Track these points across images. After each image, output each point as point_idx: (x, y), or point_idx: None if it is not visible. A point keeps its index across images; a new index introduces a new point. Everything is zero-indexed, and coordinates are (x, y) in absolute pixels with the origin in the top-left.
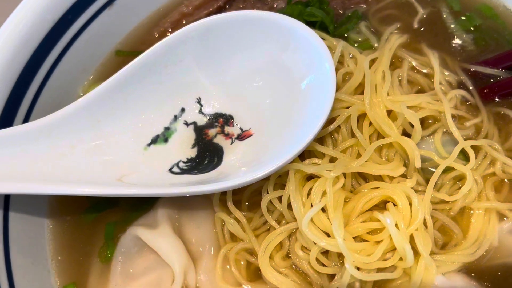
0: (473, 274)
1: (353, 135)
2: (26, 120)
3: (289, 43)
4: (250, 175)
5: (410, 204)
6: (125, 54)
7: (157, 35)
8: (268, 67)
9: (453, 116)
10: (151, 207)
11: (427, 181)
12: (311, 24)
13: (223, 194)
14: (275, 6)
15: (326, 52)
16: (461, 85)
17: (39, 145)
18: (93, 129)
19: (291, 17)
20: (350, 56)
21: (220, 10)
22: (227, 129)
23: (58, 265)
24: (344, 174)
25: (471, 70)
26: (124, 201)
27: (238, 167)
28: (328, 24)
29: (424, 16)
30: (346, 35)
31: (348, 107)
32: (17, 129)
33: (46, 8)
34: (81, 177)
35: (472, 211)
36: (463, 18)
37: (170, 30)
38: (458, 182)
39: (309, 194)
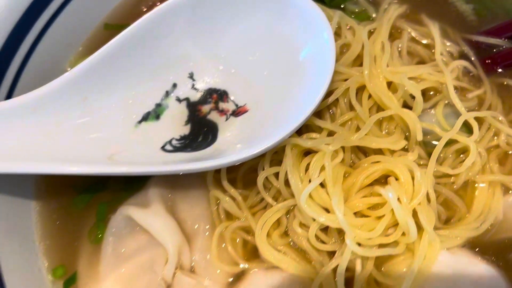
0: (477, 249)
1: (351, 108)
2: (9, 97)
3: (285, 12)
4: (247, 151)
5: (413, 178)
6: (113, 28)
7: (145, 9)
8: (264, 39)
9: (455, 88)
10: (142, 187)
11: (429, 155)
12: None
13: (217, 172)
14: None
15: (324, 21)
16: (462, 56)
17: (24, 122)
18: (80, 106)
19: None
20: (348, 27)
21: None
22: (222, 105)
23: (46, 248)
24: (343, 148)
25: (473, 40)
26: (113, 182)
27: (233, 144)
28: None
29: None
30: (342, 6)
31: (346, 80)
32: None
33: None
34: (69, 155)
35: (476, 185)
36: None
37: (158, 3)
38: (461, 155)
39: (307, 169)
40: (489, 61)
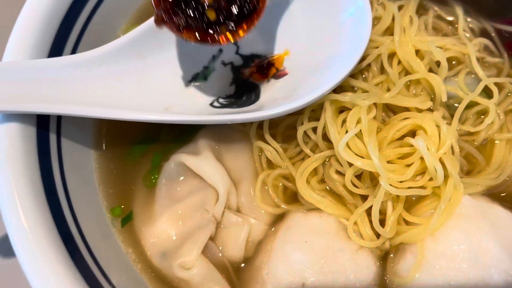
0: (500, 195)
1: (382, 72)
2: (73, 52)
3: None
4: (289, 105)
5: (439, 132)
6: None
7: None
8: (302, 6)
9: (477, 59)
10: (191, 139)
11: (452, 116)
12: None
13: (259, 128)
14: None
15: None
16: (484, 33)
17: (90, 74)
18: (138, 63)
19: None
20: (379, 3)
21: None
22: (263, 68)
23: (105, 190)
24: (375, 106)
25: (496, 27)
26: (165, 134)
27: (275, 101)
28: None
29: None
30: None
31: (377, 47)
32: (70, 58)
33: None
34: (131, 105)
35: (495, 142)
36: None
37: None
38: (481, 116)
39: (342, 125)
40: (510, 49)
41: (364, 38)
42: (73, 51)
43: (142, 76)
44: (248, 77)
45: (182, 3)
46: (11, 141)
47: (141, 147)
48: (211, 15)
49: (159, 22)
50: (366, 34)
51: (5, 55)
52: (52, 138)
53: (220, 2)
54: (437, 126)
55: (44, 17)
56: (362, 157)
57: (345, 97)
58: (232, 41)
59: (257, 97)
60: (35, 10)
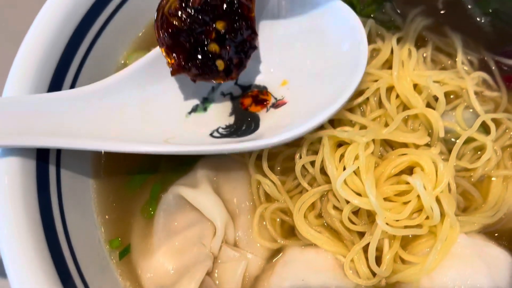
0: (495, 235)
1: (380, 106)
2: (73, 84)
3: (324, 16)
4: (287, 134)
5: (436, 169)
6: None
7: None
8: (301, 40)
9: (475, 93)
10: (189, 170)
11: (449, 151)
12: None
13: (258, 159)
14: None
15: (359, 25)
16: (483, 66)
17: (91, 108)
18: (140, 96)
19: None
20: (378, 34)
21: None
22: (262, 98)
23: (104, 221)
24: (373, 141)
25: (494, 59)
26: (164, 165)
27: (274, 130)
28: (355, 4)
29: None
30: (372, 16)
31: (375, 81)
32: (70, 92)
33: None
34: (131, 137)
35: (491, 179)
36: (482, 1)
37: None
38: (478, 152)
39: (340, 159)
40: (508, 82)
41: (359, 71)
42: (74, 79)
43: (142, 108)
44: (246, 107)
45: (192, 51)
46: (10, 177)
47: (140, 177)
48: (220, 65)
49: (174, 72)
50: (362, 67)
51: (5, 89)
52: (52, 170)
53: (226, 48)
54: (434, 163)
55: (45, 49)
56: (360, 194)
57: (343, 134)
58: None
59: (256, 127)
60: (35, 43)
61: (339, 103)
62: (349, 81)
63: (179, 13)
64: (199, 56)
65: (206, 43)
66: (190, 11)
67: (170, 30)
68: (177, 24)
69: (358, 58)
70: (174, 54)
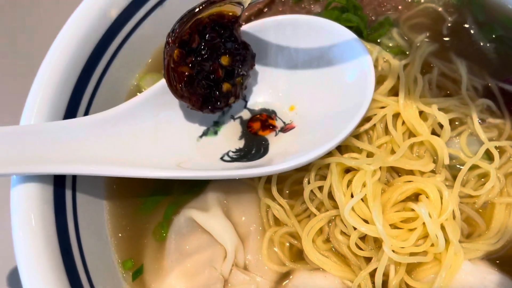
0: (498, 262)
1: (387, 133)
2: (88, 108)
3: (332, 44)
4: (296, 161)
5: (441, 197)
6: None
7: None
8: (309, 66)
9: (479, 119)
10: (200, 192)
11: (453, 177)
12: None
13: (267, 182)
14: (312, 10)
15: (366, 54)
16: (487, 91)
17: (105, 134)
18: (153, 121)
19: None
20: (384, 61)
21: (260, 12)
22: (271, 122)
23: (117, 243)
24: (380, 168)
25: (498, 86)
26: (176, 187)
27: (283, 155)
28: (362, 29)
29: (449, 25)
30: (379, 40)
31: (382, 107)
32: (86, 119)
33: (104, 8)
34: (144, 162)
35: (494, 205)
36: (486, 27)
37: None
38: (482, 179)
39: (348, 185)
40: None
41: (366, 100)
42: (89, 103)
43: (155, 133)
44: (257, 131)
45: (208, 95)
46: (29, 202)
47: (153, 200)
48: (232, 101)
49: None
50: (369, 97)
51: (22, 117)
52: (68, 195)
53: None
54: (439, 191)
55: (61, 76)
56: (367, 221)
57: (351, 162)
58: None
59: (265, 151)
60: (51, 71)
61: (346, 132)
62: (356, 110)
63: (185, 60)
64: (216, 99)
65: (219, 84)
66: (194, 56)
67: (183, 79)
68: (186, 72)
69: (365, 88)
70: (193, 99)
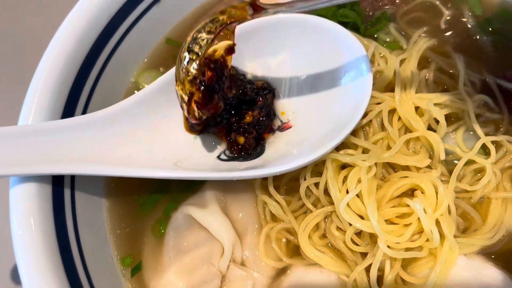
0: (493, 256)
1: (383, 128)
2: (86, 107)
3: (329, 46)
4: (292, 164)
5: (436, 192)
6: (174, 44)
7: None
8: (307, 65)
9: (475, 114)
10: (198, 189)
11: (449, 172)
12: (343, 24)
13: (264, 179)
14: None
15: (363, 52)
16: (484, 86)
17: (103, 132)
18: (150, 119)
19: (325, 18)
20: (381, 56)
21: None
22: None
23: (116, 239)
24: (375, 164)
25: (496, 81)
26: (175, 185)
27: (280, 155)
28: (359, 25)
29: (448, 18)
30: (376, 36)
31: (378, 103)
32: (84, 118)
33: (101, 7)
34: (142, 161)
35: (490, 200)
36: (483, 21)
37: None
38: (478, 174)
39: (343, 181)
40: (509, 105)
41: (365, 99)
42: (87, 101)
43: (153, 131)
44: None
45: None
46: (28, 202)
47: (151, 197)
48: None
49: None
50: (367, 96)
51: (21, 116)
52: (67, 193)
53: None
54: (435, 186)
55: (59, 74)
56: (362, 217)
57: (346, 158)
58: None
59: (262, 150)
60: (49, 69)
61: (343, 134)
62: (354, 111)
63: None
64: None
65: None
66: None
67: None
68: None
69: (363, 88)
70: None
